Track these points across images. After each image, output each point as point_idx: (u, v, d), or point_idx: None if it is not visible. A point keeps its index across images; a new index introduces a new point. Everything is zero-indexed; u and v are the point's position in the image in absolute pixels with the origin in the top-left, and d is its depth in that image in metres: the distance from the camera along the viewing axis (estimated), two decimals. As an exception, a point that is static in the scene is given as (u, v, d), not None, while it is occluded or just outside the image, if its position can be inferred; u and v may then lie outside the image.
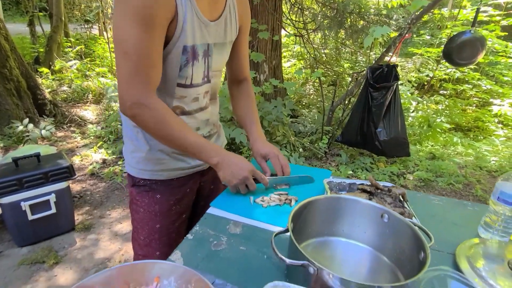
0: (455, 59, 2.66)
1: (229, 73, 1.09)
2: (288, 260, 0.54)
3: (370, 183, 0.93)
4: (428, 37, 5.58)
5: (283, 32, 4.66)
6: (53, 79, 5.21)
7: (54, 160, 1.98)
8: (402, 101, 3.09)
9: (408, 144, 2.85)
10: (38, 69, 5.27)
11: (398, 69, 2.79)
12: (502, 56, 4.92)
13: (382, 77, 2.71)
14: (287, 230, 0.60)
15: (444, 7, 5.63)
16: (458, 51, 2.60)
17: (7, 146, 3.14)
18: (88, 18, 8.15)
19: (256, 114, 1.07)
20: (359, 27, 3.58)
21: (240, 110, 1.07)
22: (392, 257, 0.66)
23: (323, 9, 4.02)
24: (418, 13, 2.86)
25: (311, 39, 4.86)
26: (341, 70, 5.49)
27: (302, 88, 5.37)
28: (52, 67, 5.53)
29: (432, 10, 4.30)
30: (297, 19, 5.11)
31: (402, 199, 0.89)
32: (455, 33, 2.69)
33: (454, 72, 4.92)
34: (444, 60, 3.31)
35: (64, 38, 6.75)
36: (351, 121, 2.93)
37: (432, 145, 3.60)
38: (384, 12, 3.47)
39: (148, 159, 0.91)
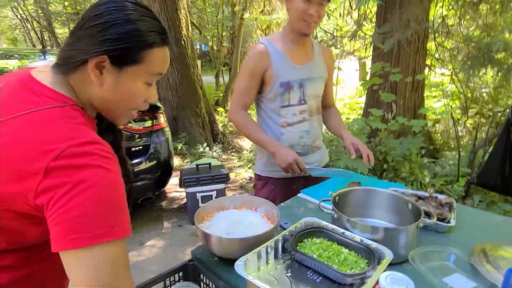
0: None
1: (321, 102, 1.56)
2: (321, 203, 0.96)
3: (427, 194, 1.18)
4: None
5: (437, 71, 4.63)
6: (225, 117, 6.82)
7: (218, 169, 2.86)
8: None
9: None
10: (217, 109, 7.02)
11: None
12: None
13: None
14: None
15: None
16: None
17: (192, 160, 4.46)
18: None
19: (343, 124, 1.51)
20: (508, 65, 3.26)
21: (332, 123, 1.54)
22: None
23: (469, 46, 3.86)
24: None
25: (460, 78, 4.58)
26: (494, 109, 4.83)
27: (441, 127, 5.01)
28: (226, 107, 7.25)
29: None
30: (444, 58, 4.93)
31: (450, 207, 1.09)
32: None
33: None
34: None
35: (236, 85, 8.66)
36: (491, 162, 2.72)
37: None
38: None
39: (266, 163, 1.46)
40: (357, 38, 4.74)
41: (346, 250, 0.81)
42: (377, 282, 0.65)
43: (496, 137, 3.09)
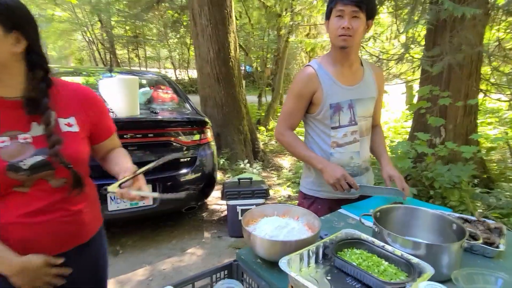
0: None
1: None
2: (362, 219, 0.99)
3: (475, 218, 1.15)
4: None
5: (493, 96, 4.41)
6: (267, 135, 6.95)
7: (259, 184, 2.94)
8: None
9: None
10: (258, 127, 7.19)
11: None
12: None
13: None
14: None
15: None
16: None
17: (233, 176, 4.59)
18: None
19: (384, 148, 1.53)
20: None
21: (374, 144, 1.55)
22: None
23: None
24: None
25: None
26: None
27: (497, 155, 4.66)
28: (267, 126, 7.40)
29: None
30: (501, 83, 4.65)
31: (500, 232, 1.06)
32: None
33: None
34: None
35: (279, 105, 8.82)
36: (554, 196, 2.49)
37: None
38: None
39: (314, 182, 1.50)
40: (404, 61, 4.66)
41: (386, 263, 0.83)
42: (416, 292, 0.67)
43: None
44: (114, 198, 2.41)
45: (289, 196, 3.91)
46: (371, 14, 1.31)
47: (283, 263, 0.76)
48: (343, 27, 1.28)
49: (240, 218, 2.81)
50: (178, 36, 14.21)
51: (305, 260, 0.81)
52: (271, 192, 4.09)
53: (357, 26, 1.29)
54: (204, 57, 5.02)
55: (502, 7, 3.62)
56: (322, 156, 1.42)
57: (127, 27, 13.98)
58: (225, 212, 3.25)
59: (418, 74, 4.92)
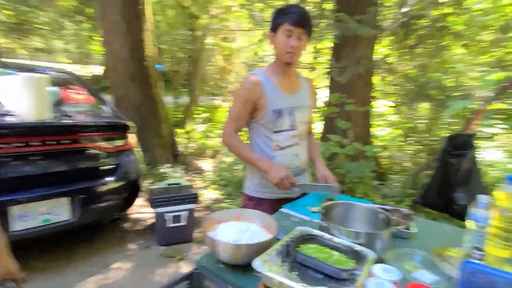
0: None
1: None
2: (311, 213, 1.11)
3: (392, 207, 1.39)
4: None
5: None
6: (186, 138, 6.81)
7: (187, 189, 2.89)
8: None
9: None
10: (176, 130, 6.98)
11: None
12: None
13: (460, 145, 2.93)
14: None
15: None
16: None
17: (154, 181, 4.38)
18: (215, 92, 10.30)
19: (318, 152, 1.71)
20: (440, 100, 3.86)
21: (309, 149, 1.71)
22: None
23: (408, 83, 4.46)
24: (499, 89, 3.07)
25: (401, 109, 5.21)
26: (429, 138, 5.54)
27: (389, 153, 5.58)
28: (185, 129, 7.25)
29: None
30: (388, 91, 5.59)
31: (410, 217, 1.31)
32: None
33: None
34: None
35: (196, 107, 8.72)
36: (431, 184, 3.13)
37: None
38: (467, 85, 3.70)
39: (260, 184, 1.58)
40: (315, 69, 5.19)
41: (337, 253, 0.96)
42: (368, 275, 0.80)
43: (434, 163, 3.57)
44: (21, 215, 2.07)
45: (217, 199, 3.94)
46: (310, 34, 1.49)
47: (257, 264, 0.81)
48: (291, 46, 1.42)
49: (169, 225, 2.72)
50: (76, 27, 12.68)
51: (273, 259, 0.87)
52: (196, 196, 4.05)
53: (302, 45, 1.46)
54: (116, 55, 4.65)
55: (386, 28, 4.35)
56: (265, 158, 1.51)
57: (10, 12, 11.84)
58: (151, 220, 3.10)
59: (325, 81, 5.52)
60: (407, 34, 4.16)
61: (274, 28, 1.46)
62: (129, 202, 2.80)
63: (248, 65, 7.51)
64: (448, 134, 3.09)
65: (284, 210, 1.46)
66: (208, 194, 4.09)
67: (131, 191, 2.74)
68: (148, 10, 4.93)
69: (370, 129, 4.90)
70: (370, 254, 0.92)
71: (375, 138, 6.26)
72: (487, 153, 4.41)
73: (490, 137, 5.32)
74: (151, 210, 2.82)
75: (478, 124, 3.18)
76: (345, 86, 4.27)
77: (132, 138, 2.84)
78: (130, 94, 4.76)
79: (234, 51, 8.37)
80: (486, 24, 4.71)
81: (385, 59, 5.26)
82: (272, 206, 1.54)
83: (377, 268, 0.77)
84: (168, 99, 10.02)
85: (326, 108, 4.12)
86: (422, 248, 1.11)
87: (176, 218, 2.73)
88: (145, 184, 4.15)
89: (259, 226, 1.10)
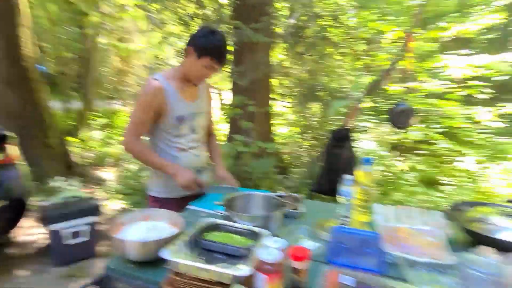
0: (396, 124, 3.44)
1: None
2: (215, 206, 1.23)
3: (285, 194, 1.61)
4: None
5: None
6: (81, 147, 6.16)
7: (87, 201, 2.69)
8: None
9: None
10: (69, 139, 6.26)
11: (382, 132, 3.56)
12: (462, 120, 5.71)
13: (341, 137, 3.47)
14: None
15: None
16: (397, 117, 3.39)
17: (45, 198, 3.87)
18: (113, 96, 9.56)
19: (218, 153, 1.83)
20: (327, 100, 4.50)
21: (211, 151, 1.84)
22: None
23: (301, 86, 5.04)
24: (369, 89, 3.75)
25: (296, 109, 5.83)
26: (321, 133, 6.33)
27: (288, 148, 6.19)
28: (80, 137, 6.55)
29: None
30: (285, 93, 6.17)
31: (299, 201, 1.55)
32: (393, 105, 3.51)
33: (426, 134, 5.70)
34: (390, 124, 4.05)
35: (91, 113, 7.95)
36: (321, 173, 3.62)
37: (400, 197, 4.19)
38: (345, 87, 4.41)
39: (164, 185, 1.62)
40: (219, 73, 5.35)
41: (239, 236, 1.10)
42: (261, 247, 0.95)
43: (323, 154, 4.12)
44: None
45: (123, 209, 3.72)
46: None
47: (165, 253, 0.88)
48: (207, 76, 1.57)
49: (67, 242, 2.49)
50: None
51: (180, 249, 0.95)
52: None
53: None
54: (-17, 55, 3.94)
55: (279, 36, 4.81)
56: (168, 161, 1.57)
57: None
58: (45, 241, 2.76)
59: (228, 84, 5.75)
60: (296, 42, 4.67)
61: (199, 52, 1.49)
62: (12, 224, 2.46)
63: (149, 68, 7.24)
64: (332, 129, 3.62)
65: (191, 207, 1.54)
66: (113, 206, 3.83)
67: (14, 211, 2.41)
68: (23, 2, 4.31)
69: (272, 128, 5.34)
70: (264, 232, 1.09)
71: (277, 136, 6.83)
72: (364, 144, 5.28)
73: (365, 130, 6.38)
74: (44, 229, 2.52)
75: (355, 120, 3.81)
76: (246, 89, 4.55)
77: (12, 151, 2.49)
78: (6, 100, 4.10)
79: (131, 53, 7.93)
80: (357, 36, 5.65)
81: (281, 64, 5.81)
82: (178, 204, 1.60)
83: (268, 240, 0.93)
84: (56, 105, 8.89)
85: (230, 110, 4.33)
86: (308, 223, 1.35)
87: (76, 234, 2.51)
88: (34, 201, 3.65)
89: (167, 224, 1.16)
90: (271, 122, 5.27)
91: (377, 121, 6.07)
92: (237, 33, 3.79)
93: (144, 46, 7.81)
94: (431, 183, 4.81)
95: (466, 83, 5.57)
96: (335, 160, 3.44)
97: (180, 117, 1.57)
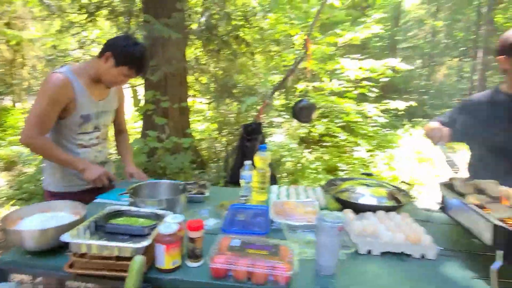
0: (300, 118, 3.86)
1: (115, 127, 1.87)
2: (120, 196, 1.29)
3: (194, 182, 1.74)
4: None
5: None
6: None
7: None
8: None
9: (276, 178, 3.82)
10: None
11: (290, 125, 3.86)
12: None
13: (252, 131, 3.73)
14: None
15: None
16: (300, 113, 3.80)
17: None
18: (1, 91, 8.27)
19: (127, 150, 1.86)
20: (239, 97, 4.75)
21: (121, 148, 1.87)
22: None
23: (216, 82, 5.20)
24: (276, 86, 4.10)
25: (214, 106, 5.98)
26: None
27: (206, 144, 6.33)
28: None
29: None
30: (202, 90, 6.25)
31: (204, 186, 1.70)
32: (296, 101, 3.92)
33: (328, 128, 6.45)
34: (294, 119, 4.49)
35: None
36: (235, 165, 3.83)
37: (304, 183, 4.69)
38: (258, 85, 4.73)
39: (63, 179, 1.58)
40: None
41: (142, 219, 1.19)
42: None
43: (237, 148, 4.35)
44: None
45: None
46: None
47: (65, 237, 0.92)
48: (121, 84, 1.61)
49: None
50: None
51: (81, 233, 1.00)
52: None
53: None
54: None
55: (194, 32, 4.86)
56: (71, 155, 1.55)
57: None
58: None
59: (141, 79, 5.56)
60: (209, 40, 4.79)
61: (119, 60, 1.49)
62: None
63: (47, 60, 6.49)
64: (243, 124, 3.86)
65: (98, 200, 1.55)
66: (6, 212, 3.41)
67: None
68: None
69: (190, 124, 5.37)
70: (168, 213, 1.20)
71: (196, 132, 6.87)
72: (276, 137, 5.72)
73: (278, 126, 6.88)
74: None
75: (265, 115, 4.13)
76: (160, 84, 4.49)
77: None
78: None
79: (24, 41, 7.00)
80: (269, 37, 6.05)
81: (198, 60, 5.86)
82: (77, 198, 1.59)
83: (169, 217, 1.05)
84: None
85: (142, 106, 4.23)
86: (212, 205, 1.50)
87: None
88: None
89: (69, 214, 1.18)
90: (188, 118, 5.30)
91: (288, 116, 6.62)
92: (146, 28, 3.73)
93: (40, 35, 6.96)
94: (332, 170, 5.49)
95: (361, 83, 6.48)
96: (247, 153, 3.69)
97: (86, 116, 1.56)
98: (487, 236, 0.95)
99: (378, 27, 5.70)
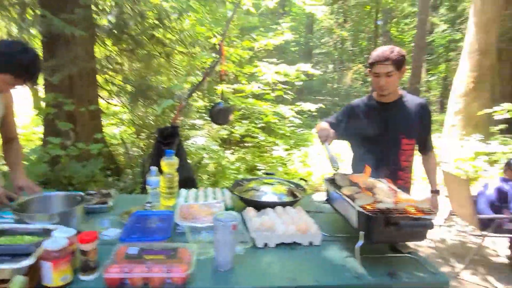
0: (217, 121, 3.92)
1: (2, 136, 1.67)
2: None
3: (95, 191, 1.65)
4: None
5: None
6: None
7: None
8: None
9: (195, 181, 3.82)
10: None
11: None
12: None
13: (169, 135, 3.66)
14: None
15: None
16: (217, 115, 3.87)
17: None
18: None
19: (19, 160, 1.67)
20: (156, 99, 4.62)
21: (10, 158, 1.67)
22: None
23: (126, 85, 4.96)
24: (192, 89, 4.10)
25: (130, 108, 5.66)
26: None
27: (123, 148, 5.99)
28: None
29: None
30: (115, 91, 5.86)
31: (109, 195, 1.63)
32: (212, 104, 3.98)
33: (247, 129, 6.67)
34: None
35: None
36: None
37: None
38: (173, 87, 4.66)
39: None
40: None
41: (29, 236, 1.10)
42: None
43: (153, 152, 4.22)
44: None
45: None
46: None
47: None
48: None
49: None
50: None
51: None
52: None
53: None
54: None
55: (102, 30, 4.54)
56: None
57: None
58: None
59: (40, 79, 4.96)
60: (120, 38, 4.54)
61: (12, 70, 1.37)
62: None
63: None
64: (158, 127, 3.77)
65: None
66: None
67: None
68: None
69: (102, 128, 4.99)
70: (60, 227, 1.13)
71: (112, 136, 6.40)
72: (197, 139, 5.69)
73: (200, 128, 6.86)
74: None
75: (182, 118, 4.08)
76: (63, 86, 4.08)
77: None
78: None
79: None
80: (187, 39, 5.98)
81: (109, 60, 5.47)
82: None
83: (57, 231, 1.00)
84: None
85: (43, 109, 3.80)
86: (116, 214, 1.45)
87: None
88: None
89: None
90: (100, 121, 4.93)
91: (209, 118, 6.65)
92: (43, 23, 3.36)
93: None
94: (252, 169, 5.71)
95: (278, 86, 6.87)
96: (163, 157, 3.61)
97: None
98: (354, 220, 1.13)
99: (290, 34, 6.13)
